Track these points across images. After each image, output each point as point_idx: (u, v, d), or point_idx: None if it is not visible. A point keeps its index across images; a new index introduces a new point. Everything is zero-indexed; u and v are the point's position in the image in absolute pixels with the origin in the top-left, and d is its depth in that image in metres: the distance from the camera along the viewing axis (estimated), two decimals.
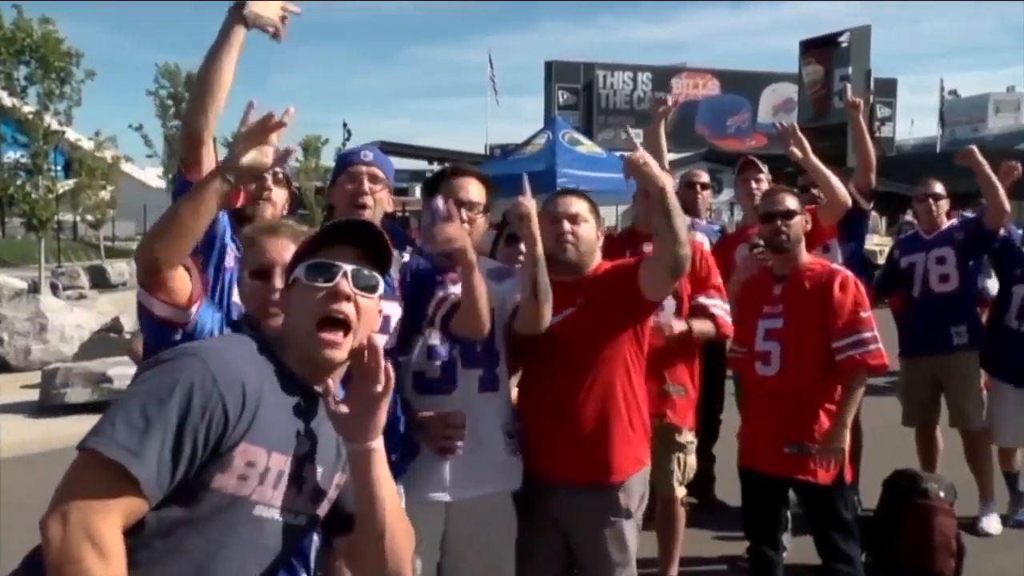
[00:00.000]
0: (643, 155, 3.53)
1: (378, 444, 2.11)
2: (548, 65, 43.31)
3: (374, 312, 2.23)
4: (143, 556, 1.88)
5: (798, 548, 5.42)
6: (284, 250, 2.73)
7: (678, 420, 4.90)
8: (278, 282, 2.72)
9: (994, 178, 6.13)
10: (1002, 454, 6.54)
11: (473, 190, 3.63)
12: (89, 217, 34.68)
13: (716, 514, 6.43)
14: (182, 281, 2.64)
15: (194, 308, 2.70)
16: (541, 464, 3.72)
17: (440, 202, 3.23)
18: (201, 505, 1.95)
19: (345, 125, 46.68)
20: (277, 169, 3.59)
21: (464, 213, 3.50)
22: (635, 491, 3.81)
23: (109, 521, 1.77)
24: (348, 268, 2.17)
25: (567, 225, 3.80)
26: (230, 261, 3.35)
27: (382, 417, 2.09)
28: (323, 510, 2.24)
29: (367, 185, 3.46)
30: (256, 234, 2.91)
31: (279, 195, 3.81)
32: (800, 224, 4.57)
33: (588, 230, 3.85)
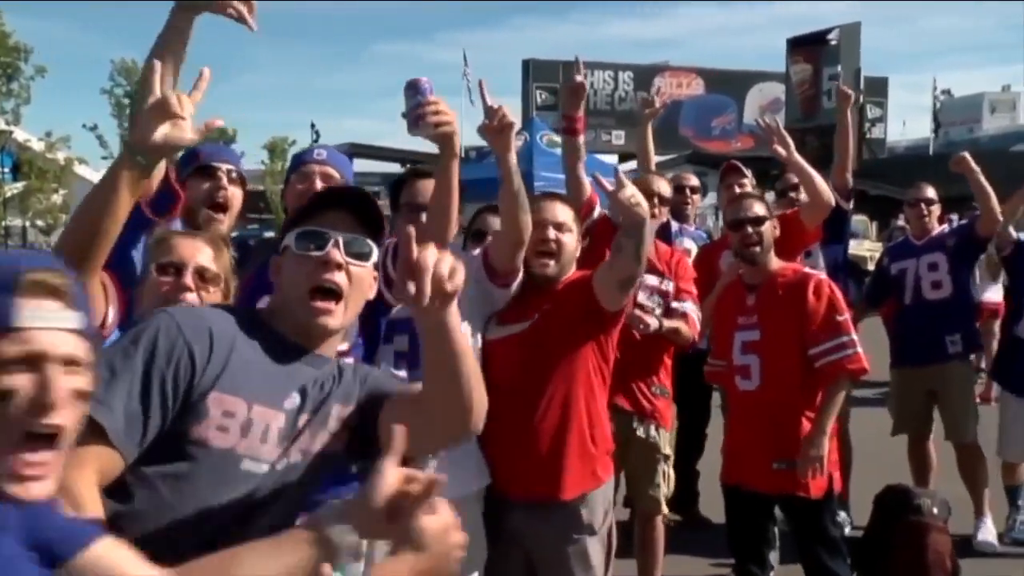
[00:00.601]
0: (634, 193, 3.53)
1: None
2: (525, 64, 43.29)
3: (368, 280, 2.25)
4: (130, 514, 1.92)
5: (785, 568, 5.44)
6: (198, 251, 2.71)
7: (664, 423, 4.96)
8: (188, 279, 2.66)
9: (987, 185, 6.18)
10: (1006, 467, 6.53)
11: None
12: (40, 222, 34.38)
13: (700, 532, 6.44)
14: (93, 298, 2.37)
15: (107, 331, 2.54)
16: (502, 480, 3.76)
17: (426, 80, 2.98)
18: (185, 459, 1.99)
19: (313, 126, 46.47)
20: (231, 167, 3.57)
21: (424, 217, 3.49)
22: (598, 507, 3.83)
23: (81, 473, 1.80)
24: (339, 236, 2.18)
25: (552, 233, 3.80)
26: None
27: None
28: (315, 456, 2.18)
29: (319, 185, 3.44)
30: (168, 234, 2.83)
31: (235, 195, 3.63)
32: (770, 230, 4.59)
33: (571, 241, 3.87)
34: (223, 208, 3.54)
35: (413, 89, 2.94)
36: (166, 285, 2.65)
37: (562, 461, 3.73)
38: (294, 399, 2.14)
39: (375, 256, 2.24)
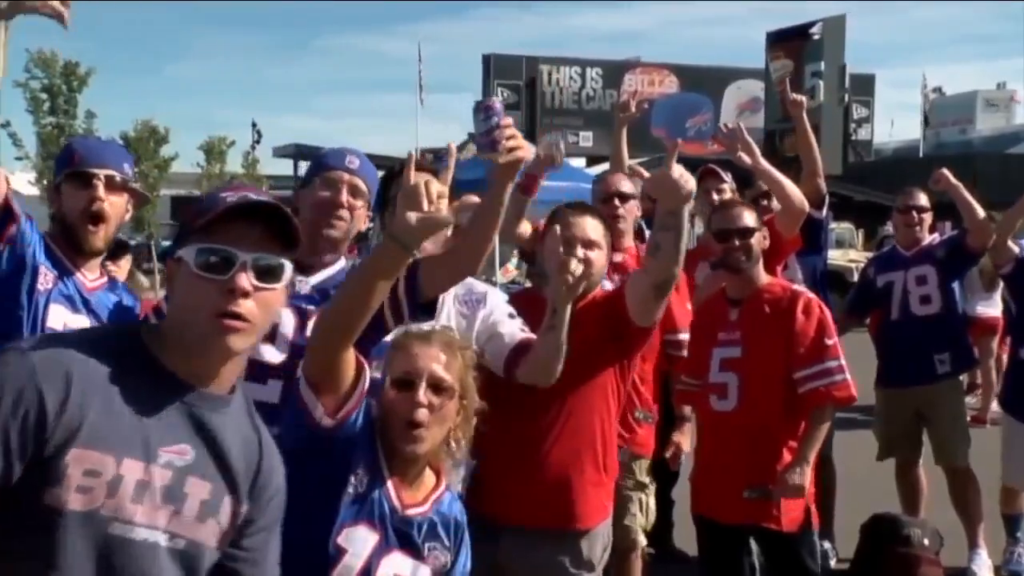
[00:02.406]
0: (683, 173, 3.45)
1: None
2: (486, 59, 43.37)
3: (277, 303, 2.12)
4: None
5: None
6: (433, 360, 2.85)
7: (643, 451, 4.95)
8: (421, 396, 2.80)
9: (971, 200, 6.24)
10: (1005, 494, 6.50)
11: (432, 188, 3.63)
12: None
13: (673, 565, 6.43)
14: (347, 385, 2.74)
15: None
16: (493, 504, 3.68)
17: (499, 102, 3.03)
18: (38, 532, 1.86)
19: (255, 125, 46.21)
20: (112, 172, 3.48)
21: None
22: (599, 542, 3.83)
23: None
24: (248, 257, 2.02)
25: (581, 252, 3.69)
26: (46, 283, 3.29)
27: None
28: (212, 539, 2.08)
29: (345, 197, 3.34)
30: (406, 339, 2.95)
31: (115, 205, 3.47)
32: (759, 241, 4.61)
33: (600, 258, 3.84)
34: (99, 219, 3.42)
35: (486, 111, 2.99)
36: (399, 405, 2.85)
37: (578, 489, 3.71)
38: (185, 452, 2.02)
39: (287, 274, 2.11)
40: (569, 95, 43.96)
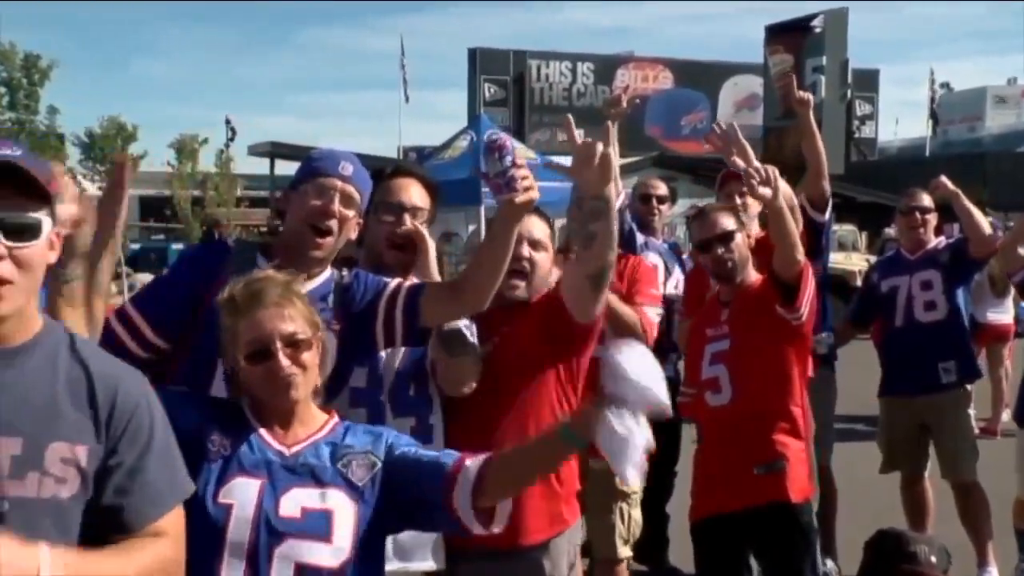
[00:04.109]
0: (601, 150, 3.37)
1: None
2: (472, 53, 43.44)
3: (41, 258, 2.17)
4: None
5: None
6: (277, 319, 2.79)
7: None
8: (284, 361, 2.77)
9: (973, 209, 6.27)
10: (1021, 507, 6.40)
11: (416, 193, 3.64)
12: None
13: None
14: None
15: None
16: None
17: (510, 141, 3.19)
18: None
19: (228, 122, 46.06)
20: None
21: (408, 220, 3.54)
22: (561, 556, 3.83)
23: None
24: None
25: (526, 250, 3.76)
26: None
27: None
28: (49, 491, 2.12)
29: (337, 207, 3.34)
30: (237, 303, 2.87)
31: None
32: (743, 243, 4.68)
33: (545, 260, 3.87)
34: None
35: (500, 151, 3.12)
36: None
37: (522, 501, 3.65)
38: None
39: (47, 228, 2.17)
40: (559, 91, 44.05)
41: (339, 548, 2.71)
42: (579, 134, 3.42)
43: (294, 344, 2.75)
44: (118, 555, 2.15)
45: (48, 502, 2.10)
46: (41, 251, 2.15)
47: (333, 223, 3.33)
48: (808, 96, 6.23)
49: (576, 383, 3.87)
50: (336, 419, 2.93)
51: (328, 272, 3.45)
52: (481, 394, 3.70)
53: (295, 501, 2.73)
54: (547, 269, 3.88)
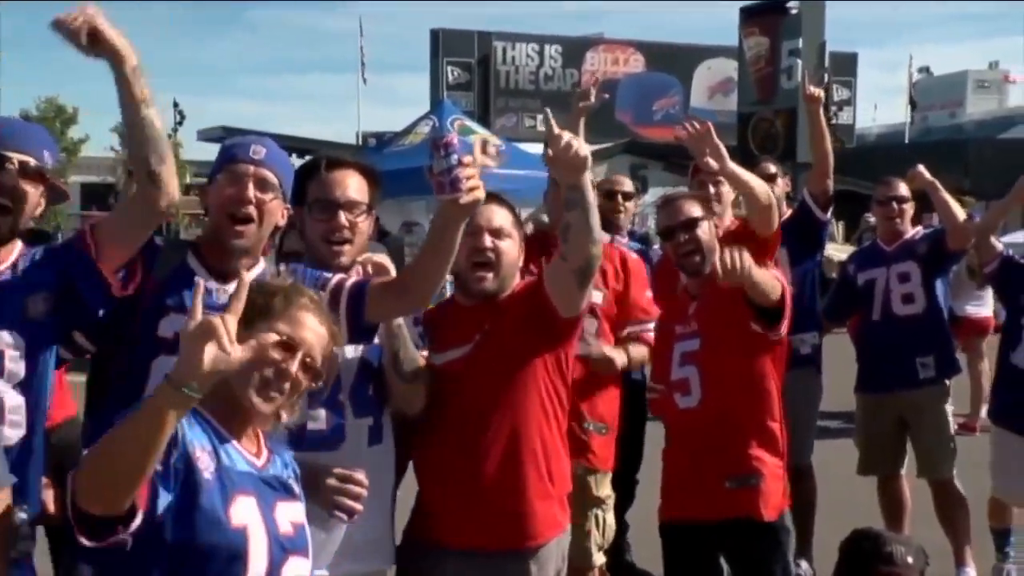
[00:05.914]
0: (571, 139, 3.39)
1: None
2: (434, 34, 43.28)
3: None
4: None
5: None
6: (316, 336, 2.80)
7: (599, 464, 4.96)
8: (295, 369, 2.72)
9: (950, 200, 6.33)
10: (995, 506, 6.53)
11: (353, 186, 3.61)
12: None
13: None
14: None
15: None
16: (436, 528, 3.75)
17: (457, 140, 3.16)
18: None
19: (176, 105, 45.46)
20: (27, 159, 3.42)
21: (343, 217, 3.51)
22: (549, 563, 3.84)
23: None
24: None
25: (488, 240, 3.76)
26: None
27: None
28: None
29: (251, 192, 3.33)
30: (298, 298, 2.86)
31: (28, 194, 3.38)
32: (709, 230, 4.65)
33: (512, 248, 3.86)
34: (5, 209, 3.34)
35: (446, 148, 3.11)
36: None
37: (520, 503, 3.73)
38: None
39: None
40: (525, 74, 43.98)
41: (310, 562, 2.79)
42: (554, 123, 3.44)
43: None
44: None
45: None
46: None
47: (250, 209, 3.32)
48: (820, 92, 6.24)
49: (564, 373, 3.89)
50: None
51: (262, 265, 3.46)
52: (469, 391, 3.72)
53: (285, 517, 2.75)
54: (515, 256, 3.87)
